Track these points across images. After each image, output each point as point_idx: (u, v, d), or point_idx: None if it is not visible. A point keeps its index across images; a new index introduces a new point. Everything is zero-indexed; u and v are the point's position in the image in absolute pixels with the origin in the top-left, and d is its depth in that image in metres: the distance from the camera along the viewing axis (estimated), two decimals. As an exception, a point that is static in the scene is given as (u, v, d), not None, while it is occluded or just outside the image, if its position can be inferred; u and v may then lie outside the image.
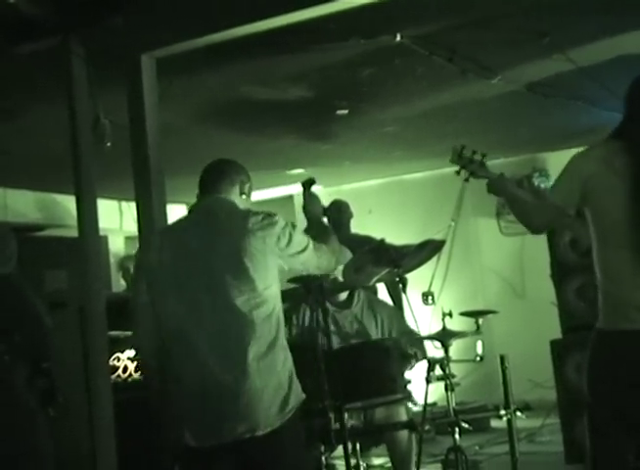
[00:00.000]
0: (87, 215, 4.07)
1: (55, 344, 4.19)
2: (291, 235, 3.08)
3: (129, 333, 5.70)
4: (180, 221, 3.29)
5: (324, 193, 9.66)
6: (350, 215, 6.91)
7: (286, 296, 4.66)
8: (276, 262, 3.05)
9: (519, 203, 3.47)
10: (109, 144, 4.21)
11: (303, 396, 3.04)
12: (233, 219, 3.07)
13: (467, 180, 3.64)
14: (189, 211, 3.29)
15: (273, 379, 2.94)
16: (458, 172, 3.62)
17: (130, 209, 8.48)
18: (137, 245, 4.18)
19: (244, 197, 3.25)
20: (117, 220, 8.84)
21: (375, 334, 4.78)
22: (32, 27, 3.93)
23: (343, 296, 4.84)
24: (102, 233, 4.55)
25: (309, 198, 3.64)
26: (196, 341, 2.97)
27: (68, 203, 7.61)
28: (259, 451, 2.93)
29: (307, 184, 3.62)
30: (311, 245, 3.17)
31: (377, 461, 6.09)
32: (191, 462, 3.02)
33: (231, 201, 3.18)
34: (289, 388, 2.98)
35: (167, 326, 3.07)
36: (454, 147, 3.60)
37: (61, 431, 4.65)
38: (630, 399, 3.14)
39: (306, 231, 3.39)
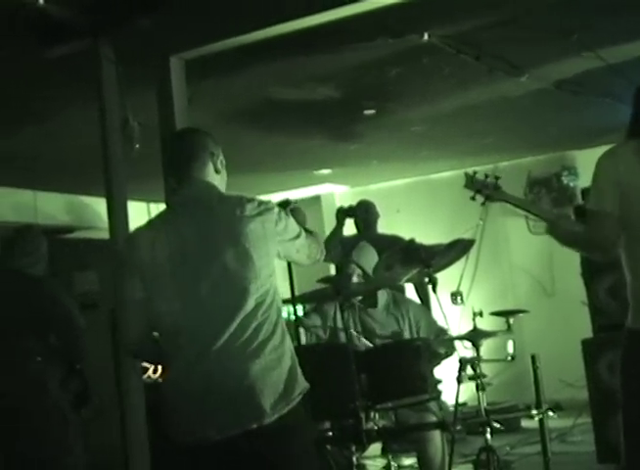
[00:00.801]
0: (118, 217, 4.09)
1: (88, 345, 4.22)
2: (286, 220, 3.03)
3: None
4: (167, 215, 3.13)
5: (351, 193, 9.66)
6: (377, 216, 6.89)
7: (314, 296, 4.70)
8: (276, 248, 2.98)
9: (573, 235, 3.44)
10: (137, 146, 4.23)
11: (307, 384, 2.95)
12: (227, 207, 2.95)
13: (484, 204, 3.67)
14: (172, 204, 3.16)
15: (276, 364, 2.86)
16: (473, 198, 3.63)
17: (158, 210, 8.52)
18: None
19: (220, 174, 3.12)
20: (145, 222, 8.88)
21: (402, 332, 4.77)
22: (62, 31, 3.96)
23: (370, 296, 4.83)
24: (131, 235, 4.56)
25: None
26: (196, 334, 2.87)
27: (98, 205, 7.68)
28: (269, 441, 2.83)
29: (284, 205, 3.47)
30: (303, 232, 3.12)
31: (407, 461, 6.08)
32: (195, 457, 2.90)
33: (215, 189, 3.05)
34: (292, 374, 2.90)
35: (165, 321, 2.96)
36: (466, 173, 3.63)
37: (93, 432, 4.68)
38: None
39: None
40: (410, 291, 6.75)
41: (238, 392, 2.81)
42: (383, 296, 4.78)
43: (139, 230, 3.11)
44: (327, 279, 4.31)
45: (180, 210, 3.05)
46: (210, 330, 2.86)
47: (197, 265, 2.91)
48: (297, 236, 3.08)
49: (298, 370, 2.94)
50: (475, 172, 3.62)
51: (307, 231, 3.19)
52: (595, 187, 3.26)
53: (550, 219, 3.48)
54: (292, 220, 3.08)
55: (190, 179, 3.05)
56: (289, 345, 2.94)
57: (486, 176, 3.60)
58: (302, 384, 2.93)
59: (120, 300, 3.11)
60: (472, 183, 3.61)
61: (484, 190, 3.58)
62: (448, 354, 4.56)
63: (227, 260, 2.88)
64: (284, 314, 3.05)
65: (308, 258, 3.20)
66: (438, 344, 4.49)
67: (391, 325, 4.76)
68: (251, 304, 2.87)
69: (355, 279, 4.71)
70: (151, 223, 3.12)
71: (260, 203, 2.97)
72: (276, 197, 3.41)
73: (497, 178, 3.59)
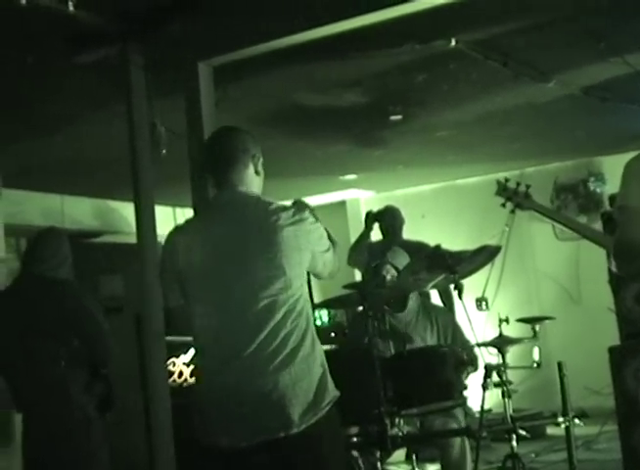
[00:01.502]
0: (145, 222, 4.11)
1: (113, 349, 4.23)
2: (320, 232, 3.03)
3: (184, 338, 5.77)
4: (203, 218, 3.15)
5: (377, 198, 9.65)
6: (402, 221, 6.89)
7: (340, 302, 4.70)
8: (307, 259, 2.96)
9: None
10: (164, 151, 4.25)
11: (338, 393, 2.94)
12: (262, 215, 2.93)
13: (512, 212, 3.81)
14: (209, 207, 3.16)
15: (306, 374, 2.86)
16: (504, 205, 3.76)
17: (184, 215, 8.56)
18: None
19: (260, 176, 3.11)
20: (171, 226, 8.90)
21: (430, 339, 4.76)
22: (91, 37, 3.99)
23: (398, 300, 4.82)
24: (157, 239, 4.59)
25: None
26: (226, 340, 2.89)
27: (124, 209, 7.72)
28: (294, 451, 2.84)
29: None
30: (332, 247, 3.10)
31: (431, 468, 6.06)
32: (221, 463, 2.91)
33: (253, 195, 3.04)
34: (322, 382, 2.89)
35: (200, 326, 2.97)
36: (498, 180, 3.73)
37: (118, 436, 4.70)
38: None
39: None
40: (435, 297, 6.74)
41: (266, 400, 2.81)
42: (413, 301, 4.77)
43: (176, 233, 3.10)
44: (353, 285, 4.30)
45: (216, 214, 3.04)
46: (241, 337, 2.86)
47: (229, 272, 2.91)
48: (327, 250, 3.05)
49: (329, 378, 2.93)
50: (507, 180, 3.73)
51: (333, 244, 3.16)
52: (624, 187, 3.19)
53: (576, 229, 3.50)
54: (324, 233, 3.05)
55: (228, 183, 3.03)
56: (319, 353, 2.93)
57: (518, 185, 3.71)
58: (332, 392, 2.92)
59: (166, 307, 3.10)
60: (503, 191, 3.70)
61: (515, 198, 3.67)
62: (474, 368, 4.54)
63: (258, 270, 2.87)
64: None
65: (329, 274, 3.17)
66: (464, 353, 4.47)
67: (420, 332, 4.76)
68: (280, 313, 2.86)
69: (389, 278, 4.70)
70: (187, 226, 3.11)
71: (295, 212, 2.95)
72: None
73: (528, 187, 3.71)
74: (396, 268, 4.71)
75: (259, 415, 2.82)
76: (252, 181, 3.07)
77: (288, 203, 3.06)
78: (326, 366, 2.93)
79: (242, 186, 3.02)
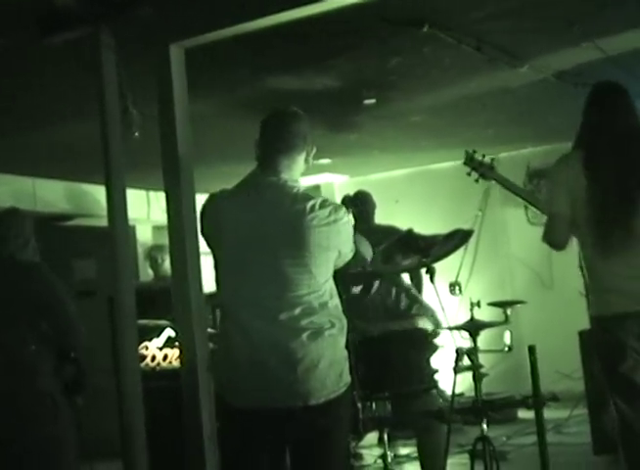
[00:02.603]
0: (117, 205, 4.09)
1: (84, 332, 4.20)
2: (349, 232, 3.12)
3: (158, 322, 5.76)
4: (239, 196, 3.19)
5: (351, 183, 9.66)
6: (374, 206, 6.90)
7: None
8: (334, 257, 3.07)
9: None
10: (137, 133, 4.22)
11: (350, 379, 3.09)
12: (298, 211, 3.01)
13: (477, 181, 4.15)
14: (245, 184, 3.21)
15: (328, 353, 2.99)
16: (469, 174, 4.08)
17: (158, 198, 8.53)
18: (164, 234, 4.20)
19: (307, 164, 3.21)
20: (145, 210, 8.89)
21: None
22: (63, 18, 3.96)
23: (359, 288, 4.83)
24: (130, 223, 4.57)
25: None
26: (262, 321, 3.02)
27: (97, 192, 7.68)
28: (309, 422, 2.99)
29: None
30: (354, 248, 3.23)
31: (404, 451, 6.10)
32: (242, 422, 3.06)
33: (294, 184, 3.10)
34: (343, 365, 3.05)
35: (226, 295, 3.15)
36: (466, 151, 3.97)
37: (90, 419, 4.69)
38: None
39: None
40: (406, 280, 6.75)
41: (291, 370, 2.96)
42: (377, 284, 4.78)
43: (209, 202, 3.19)
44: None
45: (254, 195, 3.11)
46: (267, 319, 3.01)
47: (258, 256, 3.03)
48: (351, 250, 3.17)
49: (347, 364, 3.09)
50: (474, 151, 4.08)
51: None
52: (550, 193, 3.54)
53: (529, 200, 3.81)
54: (352, 233, 3.14)
55: (274, 167, 3.11)
56: (343, 340, 3.08)
57: (483, 156, 4.06)
58: (348, 377, 3.08)
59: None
60: (470, 161, 3.94)
61: (480, 168, 3.89)
62: (435, 335, 4.60)
63: (286, 261, 2.99)
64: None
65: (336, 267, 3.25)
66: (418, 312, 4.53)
67: (387, 304, 4.76)
68: (303, 302, 2.99)
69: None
70: (221, 197, 3.18)
71: (331, 212, 3.02)
72: None
73: (492, 159, 4.07)
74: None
75: (281, 384, 2.97)
76: (299, 169, 3.17)
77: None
78: (347, 354, 3.10)
79: (286, 173, 3.11)
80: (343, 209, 3.09)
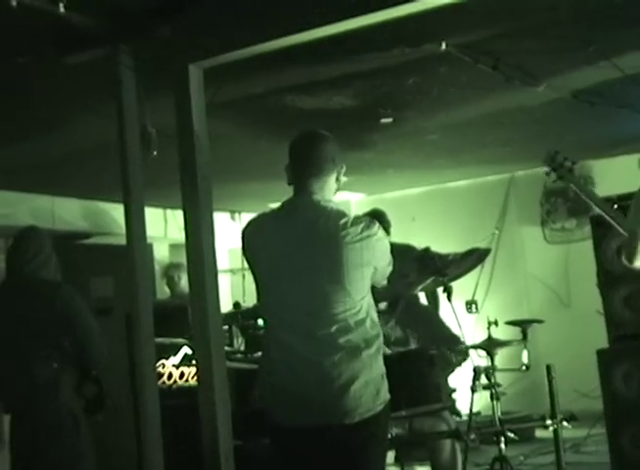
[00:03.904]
0: (135, 223, 4.11)
1: (104, 350, 4.22)
2: (384, 247, 3.15)
3: (174, 340, 5.77)
4: (275, 219, 3.28)
5: (367, 201, 9.67)
6: (389, 224, 6.90)
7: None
8: (370, 273, 3.09)
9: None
10: (155, 153, 4.25)
11: (389, 396, 3.13)
12: (332, 229, 3.07)
13: (554, 182, 3.95)
14: (282, 209, 3.28)
15: (365, 372, 3.02)
16: (548, 174, 3.90)
17: (175, 216, 8.56)
18: (182, 252, 4.22)
19: (338, 183, 3.24)
20: (162, 228, 8.92)
21: (414, 340, 4.77)
22: (81, 38, 3.99)
23: (385, 303, 4.84)
24: (147, 241, 4.59)
25: None
26: (299, 339, 3.09)
27: (114, 211, 7.72)
28: (345, 441, 3.02)
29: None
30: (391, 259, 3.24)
31: (420, 469, 6.08)
32: (282, 440, 3.16)
33: (327, 204, 3.15)
34: (380, 384, 3.07)
35: (266, 313, 3.26)
36: (549, 150, 3.89)
37: (108, 436, 4.70)
38: None
39: None
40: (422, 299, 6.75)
41: (328, 388, 3.01)
42: (399, 304, 4.79)
43: (247, 226, 3.32)
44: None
45: (289, 217, 3.19)
46: (304, 337, 3.08)
47: (293, 277, 3.10)
48: (388, 264, 3.21)
49: (386, 382, 3.11)
50: (556, 152, 3.88)
51: None
52: (635, 207, 3.48)
53: (606, 212, 3.73)
54: (388, 246, 3.18)
55: (306, 189, 3.17)
56: (380, 358, 3.11)
57: (565, 158, 3.84)
58: (386, 394, 3.11)
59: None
60: (551, 161, 3.85)
61: (560, 169, 3.80)
62: (461, 362, 4.57)
63: (321, 280, 3.05)
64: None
65: (380, 284, 3.31)
66: (451, 350, 4.50)
67: (406, 333, 4.77)
68: (340, 321, 3.03)
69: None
70: (258, 222, 3.30)
71: (364, 228, 3.06)
72: None
73: (574, 163, 3.84)
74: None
75: (318, 403, 3.03)
76: (331, 189, 3.21)
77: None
78: (384, 371, 3.13)
79: (319, 193, 3.16)
80: (377, 224, 3.12)
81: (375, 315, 3.14)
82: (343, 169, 3.25)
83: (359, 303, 3.06)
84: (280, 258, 3.14)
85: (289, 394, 3.09)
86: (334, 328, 3.03)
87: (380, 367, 3.10)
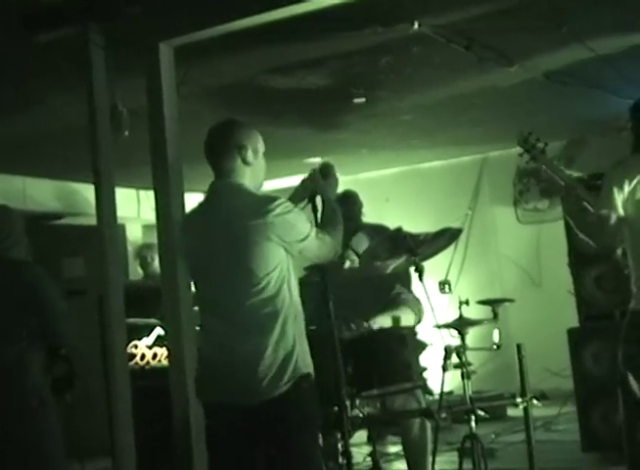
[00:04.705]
0: (105, 204, 4.09)
1: (73, 330, 4.20)
2: (290, 224, 3.16)
3: (147, 320, 5.77)
4: (199, 207, 3.41)
5: (341, 181, 9.64)
6: (361, 205, 6.89)
7: (301, 283, 4.71)
8: (276, 248, 3.13)
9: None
10: (126, 133, 4.22)
11: (306, 370, 3.16)
12: (233, 209, 3.18)
13: (527, 163, 3.98)
14: (205, 197, 3.39)
15: (269, 352, 3.08)
16: (521, 155, 3.93)
17: (148, 197, 8.52)
18: (154, 233, 4.20)
19: (251, 166, 3.31)
20: (135, 209, 8.89)
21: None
22: (51, 16, 3.95)
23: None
24: (119, 221, 4.56)
25: (326, 184, 3.70)
26: (218, 321, 3.21)
27: (86, 191, 7.66)
28: (264, 415, 3.10)
29: (325, 170, 3.70)
30: (313, 234, 3.25)
31: (392, 449, 6.12)
32: (207, 417, 3.31)
33: (236, 185, 3.26)
34: (287, 363, 3.10)
35: (195, 300, 3.46)
36: (521, 131, 3.91)
37: (79, 417, 4.68)
38: None
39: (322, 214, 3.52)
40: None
41: (241, 369, 3.11)
42: None
43: (186, 217, 3.58)
44: (313, 267, 4.31)
45: (208, 203, 3.33)
46: (224, 320, 3.20)
47: (212, 261, 3.21)
48: (303, 239, 3.22)
49: (298, 357, 3.14)
50: (529, 133, 3.92)
51: (333, 222, 3.45)
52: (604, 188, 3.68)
53: (578, 193, 3.78)
54: (299, 223, 3.22)
55: (219, 173, 3.31)
56: (291, 333, 3.15)
57: (538, 139, 3.88)
58: (301, 370, 3.14)
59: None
60: (524, 142, 3.88)
61: (533, 151, 3.83)
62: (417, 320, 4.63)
63: (227, 263, 3.14)
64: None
65: (317, 257, 3.40)
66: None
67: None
68: (251, 299, 3.11)
69: (348, 264, 4.74)
70: (189, 213, 3.48)
71: (262, 205, 3.14)
72: (266, 185, 3.52)
73: (546, 144, 3.89)
74: (358, 254, 4.74)
75: (229, 381, 3.15)
76: (242, 172, 3.29)
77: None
78: (298, 346, 3.15)
79: (230, 176, 3.27)
80: (278, 200, 3.16)
81: (291, 291, 3.19)
82: (249, 151, 3.32)
83: (264, 279, 3.11)
84: (199, 244, 3.29)
85: (209, 373, 3.24)
86: (240, 308, 3.14)
87: (288, 345, 3.12)
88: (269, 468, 3.17)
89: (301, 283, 4.64)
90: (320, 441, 3.47)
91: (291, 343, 3.12)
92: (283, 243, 3.14)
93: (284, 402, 3.09)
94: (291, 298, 3.18)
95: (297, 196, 3.63)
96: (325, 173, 3.70)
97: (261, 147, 3.39)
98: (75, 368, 4.15)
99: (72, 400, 4.14)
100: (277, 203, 3.14)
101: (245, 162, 3.29)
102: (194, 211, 3.42)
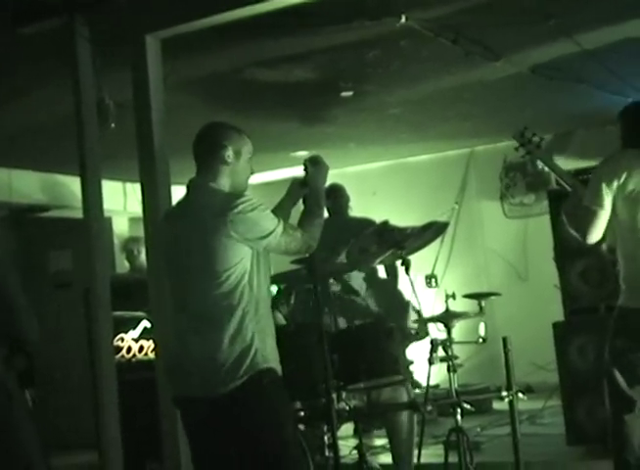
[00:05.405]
0: (92, 197, 4.09)
1: (35, 325, 4.17)
2: (252, 221, 3.17)
3: (134, 313, 5.76)
4: (177, 203, 3.47)
5: (328, 175, 9.65)
6: (348, 199, 6.90)
7: (288, 277, 4.72)
8: (238, 245, 3.15)
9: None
10: (113, 125, 4.21)
11: (267, 365, 3.15)
12: (199, 207, 3.23)
13: (523, 157, 4.04)
14: (185, 193, 3.43)
15: (226, 345, 3.11)
16: (517, 149, 3.99)
17: (135, 190, 8.49)
18: (141, 226, 4.20)
19: (230, 165, 3.32)
20: (122, 202, 8.86)
21: (373, 308, 4.81)
22: (37, 8, 3.94)
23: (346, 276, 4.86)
24: (106, 214, 4.56)
25: (315, 170, 3.72)
26: (182, 315, 3.29)
27: (73, 184, 7.64)
28: (223, 408, 3.13)
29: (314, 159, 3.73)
30: (279, 230, 3.24)
31: (379, 442, 6.12)
32: (183, 408, 3.33)
33: (207, 183, 3.28)
34: (245, 355, 3.11)
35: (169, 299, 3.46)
36: (518, 127, 3.96)
37: (66, 410, 4.68)
38: None
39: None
40: (381, 272, 6.77)
41: (200, 363, 3.16)
42: (357, 276, 4.81)
43: (165, 213, 3.61)
44: (300, 260, 4.32)
45: (183, 201, 3.38)
46: (186, 314, 3.26)
47: (178, 255, 3.27)
48: (265, 236, 3.22)
49: (257, 351, 3.15)
50: (525, 128, 3.97)
51: (312, 215, 3.47)
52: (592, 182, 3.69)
53: (574, 187, 3.81)
54: (262, 220, 3.23)
55: (196, 172, 3.33)
56: (249, 329, 3.16)
57: (534, 134, 3.93)
58: (260, 365, 3.15)
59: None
60: (520, 137, 3.93)
61: (528, 145, 3.86)
62: (421, 336, 4.60)
63: (191, 258, 3.20)
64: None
65: (285, 252, 3.38)
66: (410, 322, 4.54)
67: (367, 304, 4.80)
68: (209, 293, 3.16)
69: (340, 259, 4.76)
70: (170, 208, 3.59)
71: (224, 203, 3.18)
72: (253, 178, 3.52)
73: (542, 139, 3.95)
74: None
75: (190, 374, 3.19)
76: (219, 170, 3.30)
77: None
78: (257, 341, 3.16)
79: (206, 174, 3.31)
80: (241, 198, 3.18)
81: (252, 287, 3.19)
82: (229, 151, 3.32)
83: (223, 274, 3.14)
84: (171, 239, 3.34)
85: (173, 367, 3.31)
86: (199, 302, 3.19)
87: (245, 340, 3.14)
88: (238, 461, 3.19)
89: (288, 277, 4.68)
90: (294, 434, 3.43)
91: (249, 337, 3.14)
92: (245, 240, 3.16)
93: (241, 397, 3.10)
94: (251, 293, 3.18)
95: (291, 198, 3.78)
96: (314, 162, 3.70)
97: (246, 151, 3.38)
98: (36, 363, 4.13)
99: (36, 398, 4.11)
100: (240, 201, 3.16)
101: (223, 161, 3.30)
102: (172, 208, 3.49)
